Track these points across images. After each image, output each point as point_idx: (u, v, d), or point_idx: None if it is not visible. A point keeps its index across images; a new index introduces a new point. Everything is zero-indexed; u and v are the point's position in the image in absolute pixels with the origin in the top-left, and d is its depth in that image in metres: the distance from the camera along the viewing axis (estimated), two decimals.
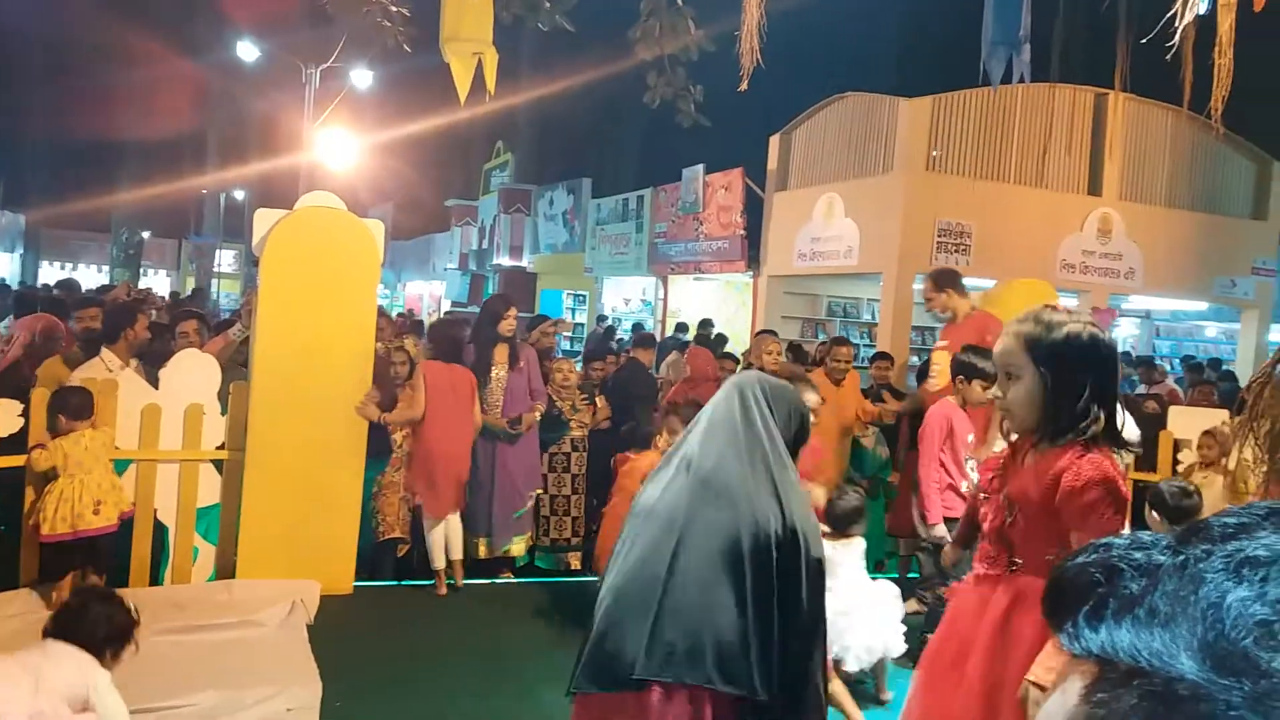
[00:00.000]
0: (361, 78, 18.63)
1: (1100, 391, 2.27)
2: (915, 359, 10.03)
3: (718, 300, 16.36)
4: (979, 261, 10.70)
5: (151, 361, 5.69)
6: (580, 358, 10.97)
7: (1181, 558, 0.52)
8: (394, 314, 14.54)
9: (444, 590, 5.76)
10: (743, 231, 13.54)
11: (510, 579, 6.29)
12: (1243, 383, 4.32)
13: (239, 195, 33.81)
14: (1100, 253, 11.40)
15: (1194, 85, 6.15)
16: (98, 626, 2.92)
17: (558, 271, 20.40)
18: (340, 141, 18.50)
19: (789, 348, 9.23)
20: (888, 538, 6.83)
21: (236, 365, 6.07)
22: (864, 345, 12.67)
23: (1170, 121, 11.74)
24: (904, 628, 4.54)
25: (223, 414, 5.55)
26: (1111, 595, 0.52)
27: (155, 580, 5.38)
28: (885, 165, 11.16)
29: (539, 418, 6.25)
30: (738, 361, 7.89)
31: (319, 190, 6.79)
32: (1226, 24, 5.40)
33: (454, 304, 22.66)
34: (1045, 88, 11.53)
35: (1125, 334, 15.57)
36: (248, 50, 19.67)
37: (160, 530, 5.43)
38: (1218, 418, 6.18)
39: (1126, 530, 2.31)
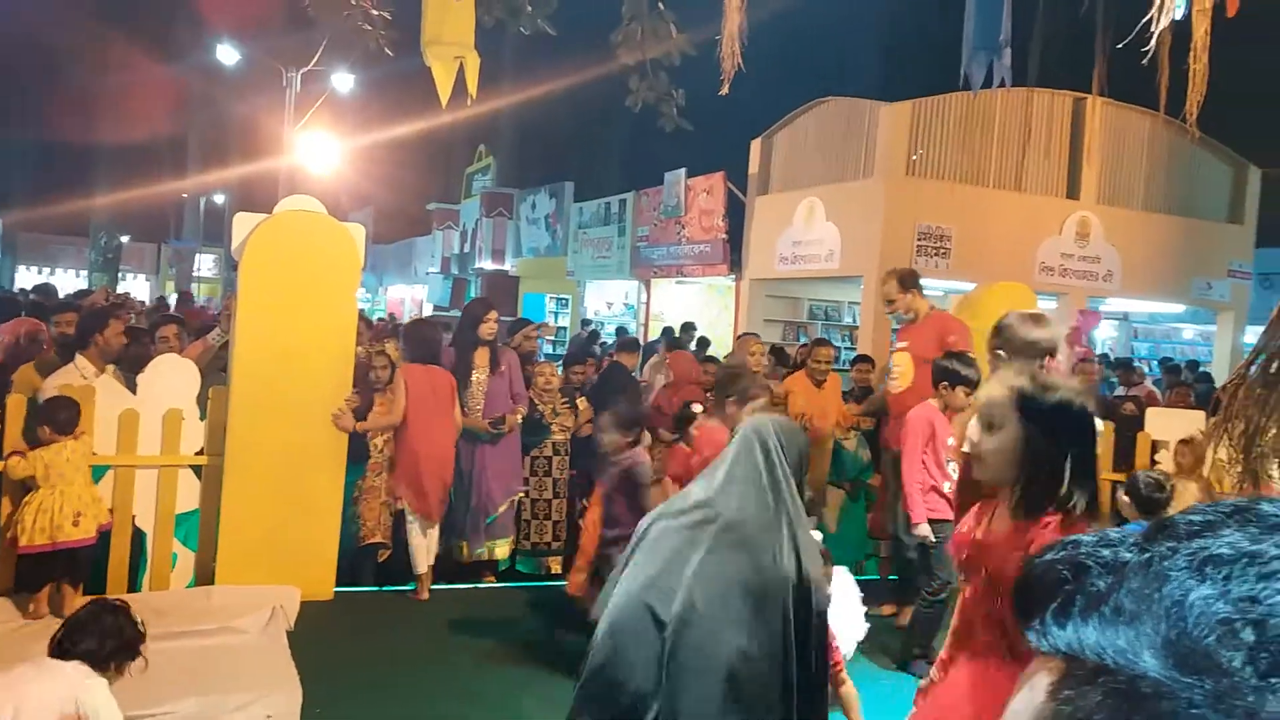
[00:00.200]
0: (343, 81, 18.58)
1: (1080, 463, 2.21)
2: None
3: (700, 303, 16.37)
4: (958, 264, 10.77)
5: (130, 366, 5.64)
6: (561, 362, 10.96)
7: (1147, 555, 0.52)
8: (374, 319, 14.46)
9: (426, 595, 5.73)
10: (724, 235, 13.56)
11: (493, 583, 6.28)
12: (1219, 384, 4.35)
13: (219, 199, 33.66)
14: (1079, 255, 11.48)
15: (1170, 90, 6.20)
16: (107, 638, 2.88)
17: (540, 275, 20.36)
18: (321, 145, 18.41)
19: (771, 350, 9.25)
20: (869, 540, 6.86)
21: (216, 370, 6.03)
22: (845, 348, 12.72)
23: (1147, 126, 11.85)
24: (866, 625, 4.54)
25: (202, 419, 5.51)
26: (1078, 593, 0.52)
27: (133, 587, 5.32)
28: (866, 169, 11.22)
29: (520, 420, 6.24)
30: (719, 364, 7.89)
31: (299, 194, 6.76)
32: (1202, 29, 5.46)
33: (436, 308, 22.57)
34: (1024, 92, 11.62)
35: (1104, 336, 15.69)
36: (228, 54, 19.59)
37: (139, 536, 5.37)
38: (1195, 419, 6.24)
39: None
